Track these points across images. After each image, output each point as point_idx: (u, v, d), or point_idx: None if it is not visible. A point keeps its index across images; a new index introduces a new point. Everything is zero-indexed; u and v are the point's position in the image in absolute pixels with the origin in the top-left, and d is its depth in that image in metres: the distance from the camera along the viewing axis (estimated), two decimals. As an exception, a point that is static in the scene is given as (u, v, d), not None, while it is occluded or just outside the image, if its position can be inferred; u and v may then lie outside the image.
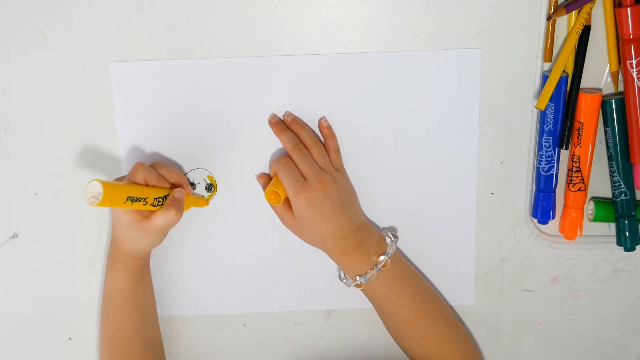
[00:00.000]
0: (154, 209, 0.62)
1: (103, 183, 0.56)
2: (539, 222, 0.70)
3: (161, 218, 0.62)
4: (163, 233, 0.65)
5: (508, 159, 0.68)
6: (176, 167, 0.69)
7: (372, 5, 0.64)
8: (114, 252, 0.66)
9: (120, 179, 0.64)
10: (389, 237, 0.68)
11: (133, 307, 0.67)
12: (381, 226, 0.71)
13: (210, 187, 0.70)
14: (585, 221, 0.70)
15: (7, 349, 0.75)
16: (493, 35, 0.64)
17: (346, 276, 0.67)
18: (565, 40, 0.63)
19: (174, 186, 0.65)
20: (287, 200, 0.65)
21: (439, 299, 0.70)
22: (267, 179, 0.68)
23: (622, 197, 0.66)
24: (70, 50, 0.66)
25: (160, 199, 0.62)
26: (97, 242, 0.72)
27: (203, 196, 0.70)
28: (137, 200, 0.60)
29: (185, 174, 0.69)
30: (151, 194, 0.61)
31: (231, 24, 0.64)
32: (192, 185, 0.70)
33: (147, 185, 0.62)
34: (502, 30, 0.64)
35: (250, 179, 0.69)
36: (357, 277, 0.65)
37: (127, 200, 0.59)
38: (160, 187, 0.63)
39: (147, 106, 0.67)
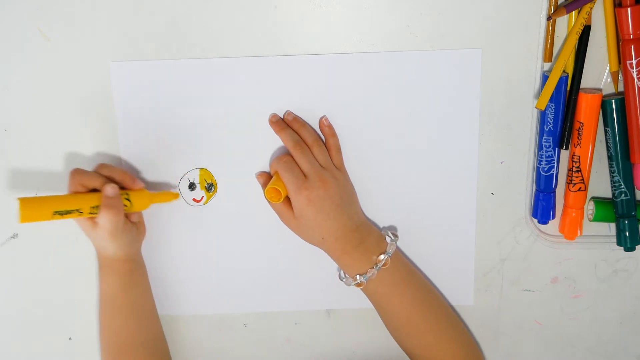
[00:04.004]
0: (95, 215, 0.61)
1: (22, 200, 0.54)
2: (539, 222, 0.70)
3: (102, 221, 0.61)
4: (117, 235, 0.62)
5: (508, 159, 0.68)
6: (176, 166, 0.69)
7: (372, 5, 0.64)
8: (99, 257, 0.66)
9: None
10: (389, 237, 0.68)
11: (127, 311, 0.67)
12: (381, 226, 0.71)
13: (210, 187, 0.70)
14: (585, 221, 0.70)
15: (7, 349, 0.75)
16: (493, 35, 0.64)
17: (346, 275, 0.67)
18: (565, 40, 0.63)
19: (119, 184, 0.63)
20: (287, 199, 0.65)
21: (439, 298, 0.70)
22: (266, 178, 0.68)
23: (622, 197, 0.66)
24: (70, 50, 0.66)
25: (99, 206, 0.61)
26: (97, 242, 0.72)
27: (170, 190, 0.68)
28: (69, 212, 0.58)
29: (179, 181, 0.69)
30: (86, 203, 0.60)
31: (231, 24, 0.64)
32: (192, 185, 0.69)
33: (88, 191, 0.61)
34: (502, 30, 0.64)
35: (251, 178, 0.69)
36: (357, 276, 0.65)
37: (54, 214, 0.57)
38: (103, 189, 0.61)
39: (147, 106, 0.67)
